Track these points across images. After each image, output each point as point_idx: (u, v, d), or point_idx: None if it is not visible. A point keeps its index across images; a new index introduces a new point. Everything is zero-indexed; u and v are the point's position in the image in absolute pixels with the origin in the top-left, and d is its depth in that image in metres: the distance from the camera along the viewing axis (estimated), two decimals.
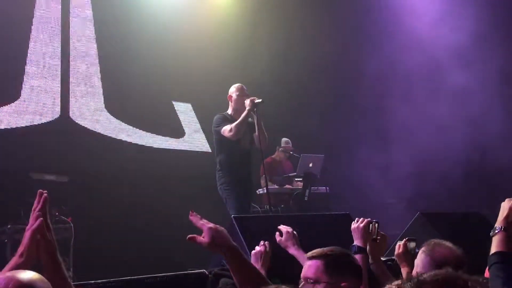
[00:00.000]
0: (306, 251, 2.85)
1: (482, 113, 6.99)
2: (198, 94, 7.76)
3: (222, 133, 5.14)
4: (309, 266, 2.07)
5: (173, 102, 7.85)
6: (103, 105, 7.13)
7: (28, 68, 6.57)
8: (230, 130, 5.07)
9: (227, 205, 5.15)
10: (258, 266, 2.59)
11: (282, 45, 8.23)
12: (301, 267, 2.77)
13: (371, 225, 2.93)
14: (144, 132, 7.42)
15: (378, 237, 2.95)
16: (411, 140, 7.40)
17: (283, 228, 2.93)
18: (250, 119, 5.15)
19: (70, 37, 7.01)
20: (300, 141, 7.60)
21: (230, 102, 5.36)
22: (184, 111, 7.94)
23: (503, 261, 1.94)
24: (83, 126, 6.89)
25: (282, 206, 6.49)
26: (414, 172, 7.25)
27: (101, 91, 7.14)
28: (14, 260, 1.71)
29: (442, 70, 7.37)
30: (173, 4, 7.74)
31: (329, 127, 8.21)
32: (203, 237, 1.86)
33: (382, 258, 3.05)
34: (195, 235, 1.86)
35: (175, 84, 7.68)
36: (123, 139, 7.19)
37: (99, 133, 7.00)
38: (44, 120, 6.59)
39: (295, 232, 2.91)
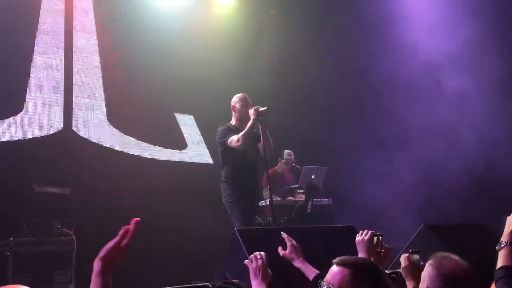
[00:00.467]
0: (310, 264, 2.85)
1: (486, 121, 6.93)
2: (200, 105, 7.77)
3: (228, 144, 5.03)
4: (335, 273, 1.99)
5: (175, 114, 7.87)
6: (106, 117, 7.15)
7: (31, 81, 6.59)
8: (238, 140, 4.96)
9: (232, 217, 5.06)
10: (258, 281, 2.56)
11: (284, 54, 8.24)
12: (306, 279, 2.76)
13: (375, 237, 2.91)
14: (146, 144, 7.42)
15: (382, 250, 2.94)
16: (415, 150, 7.36)
17: (287, 240, 2.91)
18: (254, 129, 5.06)
19: (73, 49, 7.05)
20: (302, 151, 7.59)
21: (233, 113, 5.27)
22: (186, 123, 7.95)
23: (510, 276, 1.93)
24: (86, 138, 6.90)
25: (285, 218, 6.46)
26: (419, 183, 7.19)
27: (103, 103, 7.16)
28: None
29: (445, 77, 7.32)
30: (175, 16, 7.78)
31: (332, 137, 8.16)
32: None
33: (386, 271, 3.02)
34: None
35: (177, 95, 7.70)
36: (126, 151, 7.20)
37: (101, 145, 7.01)
38: (46, 133, 6.60)
39: (298, 245, 2.90)
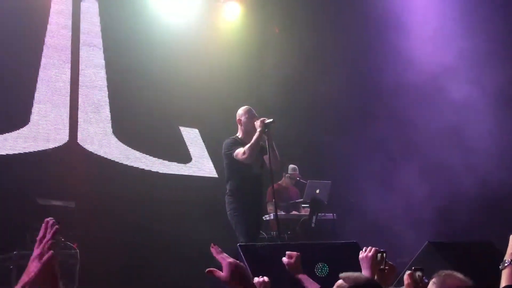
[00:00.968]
0: (314, 281, 2.83)
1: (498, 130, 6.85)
2: (205, 119, 7.80)
3: (235, 156, 4.97)
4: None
5: (180, 128, 7.89)
6: (111, 131, 7.18)
7: (37, 94, 6.64)
8: (244, 153, 4.91)
9: (235, 231, 5.01)
10: None
11: (289, 68, 8.27)
12: None
13: (378, 254, 2.88)
14: (151, 157, 7.43)
15: (386, 267, 2.90)
16: (419, 164, 7.31)
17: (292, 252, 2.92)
18: (261, 142, 4.99)
19: (80, 63, 7.11)
20: (308, 163, 7.56)
21: (239, 126, 5.22)
22: (191, 137, 7.96)
23: None
24: (91, 152, 6.92)
25: (289, 232, 6.42)
26: (426, 196, 7.12)
27: (109, 116, 7.20)
28: None
29: (447, 87, 7.25)
30: (181, 31, 7.85)
31: (338, 149, 8.07)
32: (222, 272, 1.80)
33: None
34: (214, 269, 1.83)
35: (182, 109, 7.74)
36: (131, 165, 7.21)
37: (106, 158, 7.02)
38: (52, 146, 6.62)
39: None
